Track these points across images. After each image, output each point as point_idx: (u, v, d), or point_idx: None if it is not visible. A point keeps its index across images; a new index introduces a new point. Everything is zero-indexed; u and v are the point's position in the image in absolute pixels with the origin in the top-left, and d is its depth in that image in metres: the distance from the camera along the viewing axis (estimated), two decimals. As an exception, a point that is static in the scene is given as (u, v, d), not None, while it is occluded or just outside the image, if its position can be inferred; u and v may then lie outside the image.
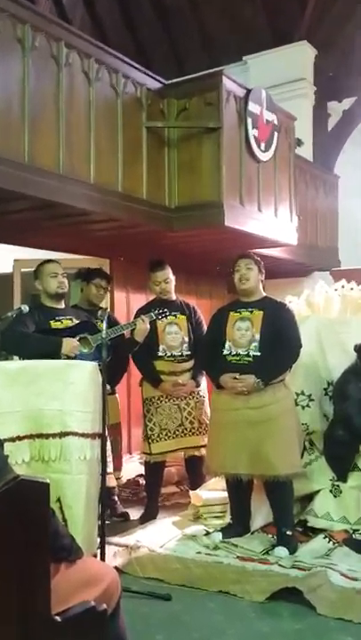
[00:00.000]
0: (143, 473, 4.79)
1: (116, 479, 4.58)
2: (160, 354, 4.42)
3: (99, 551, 3.24)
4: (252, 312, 3.84)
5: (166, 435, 4.41)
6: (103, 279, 4.53)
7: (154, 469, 4.48)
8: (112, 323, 4.31)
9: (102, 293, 4.52)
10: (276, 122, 5.53)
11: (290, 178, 5.98)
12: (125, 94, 4.49)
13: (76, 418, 3.16)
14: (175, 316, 4.46)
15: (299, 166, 6.73)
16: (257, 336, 3.77)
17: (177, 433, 4.43)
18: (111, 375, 4.07)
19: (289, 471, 3.71)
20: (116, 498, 4.53)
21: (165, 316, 4.27)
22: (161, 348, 4.42)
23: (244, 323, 3.82)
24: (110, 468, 4.23)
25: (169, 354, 4.43)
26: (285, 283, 7.33)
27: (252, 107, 5.17)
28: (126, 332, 4.28)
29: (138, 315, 4.31)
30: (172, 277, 4.49)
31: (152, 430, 4.40)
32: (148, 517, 4.37)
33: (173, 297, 4.55)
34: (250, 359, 3.74)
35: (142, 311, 4.36)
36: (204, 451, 4.40)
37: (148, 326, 4.15)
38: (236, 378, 3.72)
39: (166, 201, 4.92)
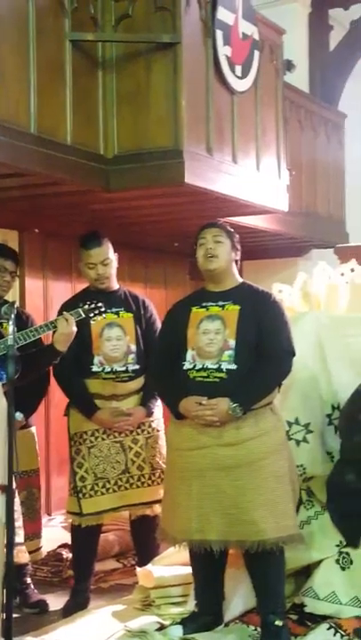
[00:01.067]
0: (69, 542, 4.75)
1: (33, 551, 4.54)
2: (95, 369, 4.39)
3: (3, 658, 3.20)
4: (223, 307, 3.83)
5: (104, 486, 4.38)
6: (8, 259, 4.48)
7: (85, 537, 4.44)
8: (22, 322, 4.26)
9: (7, 280, 4.46)
10: (256, 36, 5.56)
11: (277, 115, 6.02)
12: (40, -7, 4.45)
13: (-31, 464, 3.12)
14: (117, 313, 4.44)
15: (290, 99, 6.77)
16: (231, 341, 3.75)
17: (119, 484, 4.41)
18: (23, 400, 4.02)
19: (280, 534, 3.69)
20: (29, 580, 4.49)
21: (101, 313, 4.25)
22: (96, 360, 4.40)
23: (214, 322, 3.81)
24: (20, 537, 4.18)
25: (108, 369, 4.40)
26: (272, 265, 7.39)
27: (223, 14, 5.18)
28: (45, 337, 4.24)
29: (62, 312, 4.27)
30: (112, 257, 4.47)
31: (83, 480, 4.37)
32: (75, 606, 4.33)
33: (115, 286, 4.54)
34: (222, 375, 3.73)
35: (69, 307, 4.32)
36: (157, 508, 4.38)
37: (75, 328, 4.12)
38: (202, 403, 3.70)
39: (100, 147, 4.91)
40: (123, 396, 4.42)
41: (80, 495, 4.36)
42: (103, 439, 4.40)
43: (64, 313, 4.16)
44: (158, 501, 4.36)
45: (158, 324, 4.50)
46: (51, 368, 4.38)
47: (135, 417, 4.41)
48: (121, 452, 4.42)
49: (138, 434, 4.46)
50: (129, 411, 4.39)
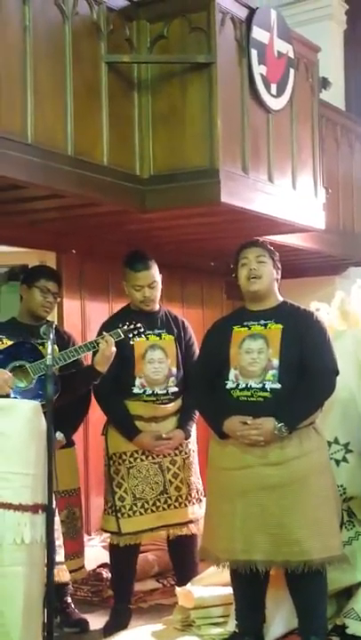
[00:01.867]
0: (108, 561, 4.76)
1: (75, 570, 4.56)
2: (136, 390, 4.41)
3: None
4: (266, 326, 3.84)
5: (142, 507, 4.40)
6: (50, 280, 4.49)
7: (124, 556, 4.46)
8: (63, 342, 4.29)
9: (50, 301, 4.47)
10: (291, 54, 5.57)
11: (313, 133, 6.01)
12: (76, 16, 4.50)
13: (10, 483, 3.15)
14: (159, 335, 4.46)
15: (326, 117, 6.77)
16: (275, 361, 3.76)
17: (157, 504, 4.42)
18: (65, 419, 4.05)
19: (325, 555, 3.69)
20: (70, 599, 4.51)
21: (140, 334, 4.25)
22: (138, 382, 4.41)
23: (257, 342, 3.82)
24: (61, 556, 4.20)
25: (149, 391, 4.43)
26: (309, 283, 7.36)
27: (258, 33, 5.20)
28: (85, 357, 4.26)
29: (101, 332, 4.29)
30: (158, 280, 4.50)
31: (122, 500, 4.39)
32: (115, 626, 4.34)
33: (157, 307, 4.55)
34: (266, 394, 3.74)
35: (108, 326, 4.35)
36: (194, 528, 4.41)
37: (114, 349, 4.14)
38: (247, 423, 3.71)
39: (136, 168, 4.93)
40: (162, 418, 4.45)
41: (119, 515, 4.38)
42: (142, 460, 4.42)
43: (104, 334, 4.18)
44: (195, 521, 4.41)
45: (196, 346, 4.53)
46: (91, 388, 4.40)
47: (175, 440, 4.44)
48: (159, 474, 4.44)
49: (176, 455, 4.48)
50: (168, 435, 4.41)
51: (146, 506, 4.41)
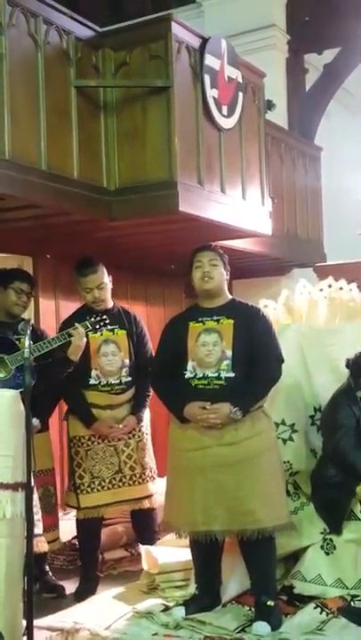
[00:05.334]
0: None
1: (51, 541, 4.54)
2: (92, 382, 4.40)
3: (25, 638, 3.20)
4: (219, 321, 3.85)
5: (100, 484, 4.41)
6: (24, 282, 4.47)
7: (87, 528, 4.47)
8: (37, 337, 4.27)
9: (24, 300, 4.45)
10: (240, 79, 5.58)
11: (260, 150, 6.03)
12: (48, 45, 4.47)
13: (-8, 464, 3.13)
14: (112, 331, 4.44)
15: (271, 135, 6.79)
16: (228, 352, 3.77)
17: (113, 482, 4.44)
18: (41, 406, 4.03)
19: (276, 523, 3.73)
20: (47, 567, 4.49)
21: (106, 325, 4.27)
22: (94, 374, 4.40)
23: (211, 335, 3.82)
24: (39, 529, 4.18)
25: (104, 381, 4.42)
26: (258, 283, 7.40)
27: (210, 60, 5.20)
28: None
29: (63, 328, 4.28)
30: (107, 281, 4.47)
31: (81, 478, 4.40)
32: (85, 591, 4.35)
33: (110, 304, 4.54)
34: (221, 382, 3.75)
35: (67, 324, 4.34)
36: (148, 503, 4.48)
37: (85, 340, 4.13)
38: (206, 407, 3.71)
39: (104, 181, 4.91)
40: (117, 406, 4.45)
41: (78, 491, 4.40)
42: (99, 443, 4.44)
43: (76, 324, 4.15)
44: (149, 496, 4.47)
45: (147, 338, 4.56)
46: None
47: (128, 426, 4.45)
48: (115, 455, 4.45)
49: (129, 438, 4.50)
50: (123, 423, 4.41)
51: (103, 484, 4.41)
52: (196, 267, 3.92)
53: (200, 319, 3.89)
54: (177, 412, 3.83)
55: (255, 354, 3.78)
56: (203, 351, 3.80)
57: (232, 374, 3.74)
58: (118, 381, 4.43)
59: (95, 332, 4.26)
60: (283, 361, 3.85)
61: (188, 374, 3.81)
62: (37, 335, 4.35)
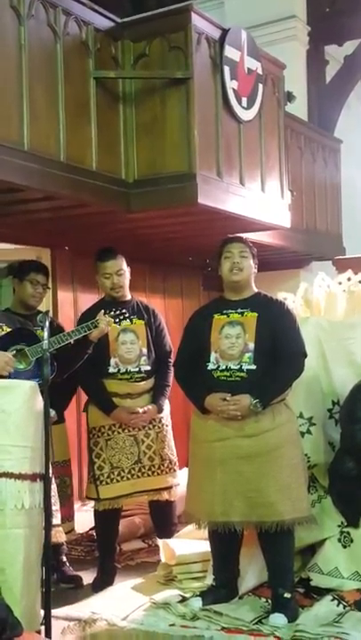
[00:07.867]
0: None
1: (66, 533, 4.56)
2: (111, 370, 4.41)
3: (43, 627, 3.23)
4: (243, 314, 3.85)
5: (119, 475, 4.42)
6: (39, 273, 4.49)
7: (105, 520, 4.48)
8: (55, 329, 4.29)
9: (40, 292, 4.48)
10: (260, 71, 5.57)
11: (279, 142, 6.02)
12: (67, 36, 4.48)
13: (11, 455, 3.15)
14: (130, 320, 4.45)
15: (290, 127, 6.78)
16: (251, 345, 3.78)
17: (132, 472, 4.44)
18: (57, 398, 4.05)
19: (295, 515, 3.73)
20: (65, 558, 4.51)
21: (126, 318, 4.29)
22: (112, 362, 4.41)
23: (235, 328, 3.83)
24: (57, 519, 4.21)
25: (123, 370, 4.43)
26: (276, 276, 7.37)
27: (230, 52, 5.20)
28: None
29: (81, 321, 4.30)
30: (125, 269, 4.49)
31: (100, 469, 4.40)
32: (102, 582, 4.37)
33: (128, 296, 4.56)
34: (243, 374, 3.75)
35: (87, 316, 4.35)
36: (166, 494, 4.47)
37: (109, 328, 4.15)
38: (226, 399, 3.72)
39: (122, 173, 4.92)
40: (136, 395, 4.46)
41: (98, 482, 4.40)
42: (119, 433, 4.44)
43: (100, 314, 4.15)
44: (168, 488, 4.45)
45: (165, 331, 4.58)
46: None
47: (148, 414, 4.45)
48: (134, 445, 4.45)
49: (150, 429, 4.50)
50: (143, 409, 4.41)
51: (122, 474, 4.42)
52: (226, 257, 3.91)
53: (225, 311, 3.90)
54: (198, 402, 3.84)
55: (278, 348, 3.78)
56: (226, 343, 3.81)
57: (254, 367, 3.75)
58: (137, 369, 4.44)
59: (112, 324, 4.27)
60: (306, 356, 3.86)
61: (210, 365, 3.82)
62: (55, 327, 4.36)
